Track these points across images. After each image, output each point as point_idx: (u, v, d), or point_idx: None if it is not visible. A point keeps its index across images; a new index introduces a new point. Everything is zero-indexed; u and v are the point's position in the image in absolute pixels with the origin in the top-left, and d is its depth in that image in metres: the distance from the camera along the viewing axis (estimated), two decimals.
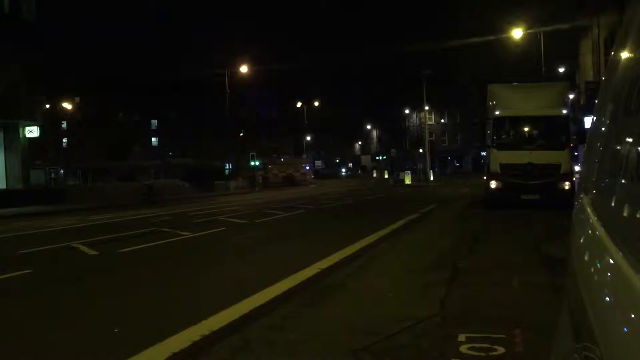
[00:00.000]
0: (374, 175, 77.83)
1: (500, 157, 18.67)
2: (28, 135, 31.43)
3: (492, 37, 43.03)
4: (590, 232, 1.69)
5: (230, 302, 6.29)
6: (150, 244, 12.28)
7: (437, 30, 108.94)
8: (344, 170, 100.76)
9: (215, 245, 12.46)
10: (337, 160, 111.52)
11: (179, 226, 15.87)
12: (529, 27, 36.15)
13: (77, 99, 78.40)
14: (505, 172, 18.38)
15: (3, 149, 30.55)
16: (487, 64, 61.32)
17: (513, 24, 36.33)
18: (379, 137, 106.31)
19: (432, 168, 52.57)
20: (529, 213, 16.73)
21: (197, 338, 5.01)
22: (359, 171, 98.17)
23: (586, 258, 1.59)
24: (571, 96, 28.22)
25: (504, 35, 38.35)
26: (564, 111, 18.79)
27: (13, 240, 14.61)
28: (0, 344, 5.34)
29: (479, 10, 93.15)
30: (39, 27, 32.51)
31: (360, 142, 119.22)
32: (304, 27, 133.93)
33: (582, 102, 33.18)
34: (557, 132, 18.37)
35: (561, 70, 45.80)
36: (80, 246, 12.11)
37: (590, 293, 1.35)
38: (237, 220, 17.30)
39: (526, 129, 19.48)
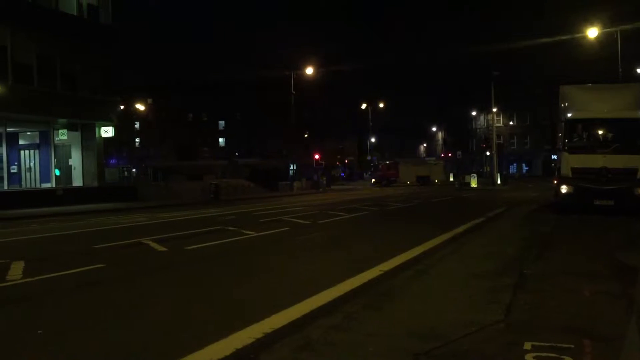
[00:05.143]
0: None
1: (572, 161, 18.02)
2: (104, 135, 32.82)
3: (566, 37, 41.51)
4: None
5: (293, 301, 6.37)
6: (216, 242, 12.57)
7: (509, 30, 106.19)
8: None
9: (279, 244, 12.62)
10: None
11: (244, 225, 16.16)
12: (605, 26, 34.64)
13: (149, 100, 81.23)
14: (577, 177, 17.72)
15: (80, 148, 32.07)
16: (560, 64, 59.28)
17: (588, 22, 34.95)
18: (444, 139, 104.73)
19: (500, 171, 51.27)
20: (602, 219, 16.07)
21: (260, 335, 5.11)
22: None
23: None
24: None
25: (578, 35, 36.96)
26: None
27: (88, 235, 15.32)
28: (78, 330, 5.62)
29: (550, 10, 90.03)
30: (116, 31, 33.88)
31: (425, 144, 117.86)
32: (372, 26, 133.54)
33: None
34: (634, 135, 17.55)
35: (639, 70, 43.65)
36: (150, 242, 12.54)
37: None
38: (300, 221, 17.46)
39: (600, 132, 18.72)
